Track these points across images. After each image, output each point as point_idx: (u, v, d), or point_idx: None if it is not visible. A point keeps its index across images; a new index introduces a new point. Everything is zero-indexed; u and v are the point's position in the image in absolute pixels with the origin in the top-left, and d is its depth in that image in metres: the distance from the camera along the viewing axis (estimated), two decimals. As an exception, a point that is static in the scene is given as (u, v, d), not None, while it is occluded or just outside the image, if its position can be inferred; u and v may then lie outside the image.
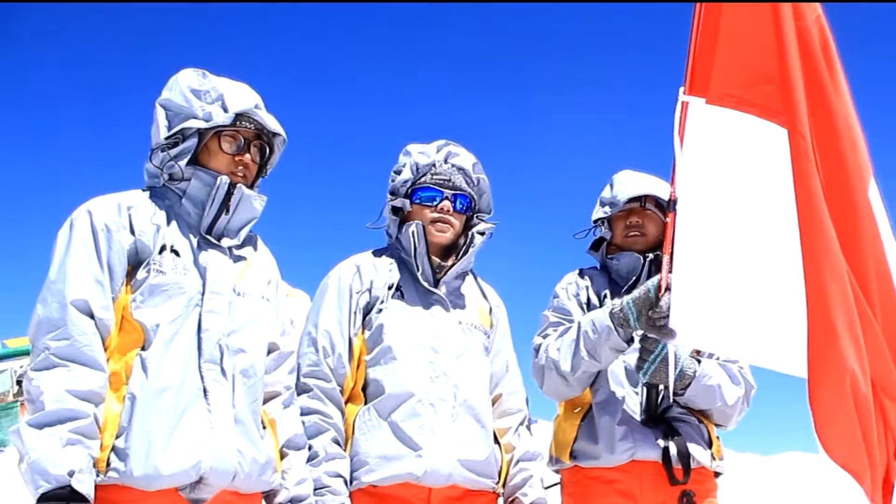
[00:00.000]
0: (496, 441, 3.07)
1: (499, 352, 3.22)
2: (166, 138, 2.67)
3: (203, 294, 2.58)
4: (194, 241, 2.66)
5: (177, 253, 2.59)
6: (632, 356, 3.18)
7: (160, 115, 2.72)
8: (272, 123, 2.78)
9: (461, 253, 3.16)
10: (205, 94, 2.71)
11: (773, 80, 2.94)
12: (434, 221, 3.11)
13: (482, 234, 3.19)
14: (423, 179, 3.15)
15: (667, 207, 2.99)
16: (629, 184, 3.54)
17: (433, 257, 3.12)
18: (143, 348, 2.47)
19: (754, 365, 3.32)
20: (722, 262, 2.87)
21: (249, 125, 2.75)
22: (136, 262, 2.56)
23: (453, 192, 3.15)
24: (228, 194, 2.68)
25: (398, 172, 3.20)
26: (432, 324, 3.04)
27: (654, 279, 2.99)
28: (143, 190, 2.75)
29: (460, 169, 3.18)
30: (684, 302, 2.85)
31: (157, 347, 2.46)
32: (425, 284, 3.09)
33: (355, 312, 3.03)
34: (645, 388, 3.24)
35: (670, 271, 2.88)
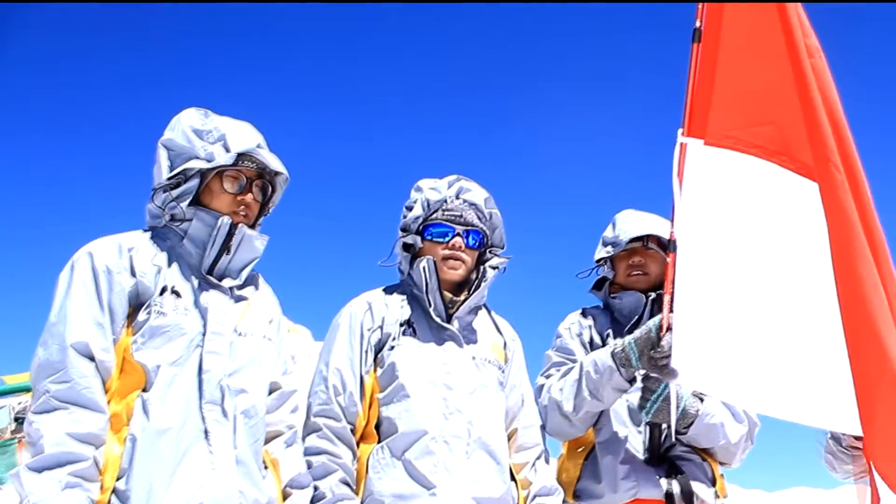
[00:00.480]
0: (512, 477, 3.03)
1: (514, 386, 3.17)
2: (168, 178, 2.67)
3: (204, 335, 2.56)
4: (195, 281, 2.64)
5: (177, 294, 2.57)
6: (634, 395, 3.17)
7: (162, 155, 2.72)
8: (274, 162, 2.77)
9: (473, 288, 3.13)
10: (207, 134, 2.71)
11: (773, 119, 2.96)
12: (446, 258, 3.08)
13: (495, 268, 3.17)
14: (434, 216, 3.12)
15: (667, 248, 3.01)
16: (631, 223, 3.57)
17: (445, 292, 3.09)
18: (144, 390, 2.45)
19: (754, 411, 3.31)
20: (723, 302, 2.88)
21: (251, 165, 2.75)
22: (136, 303, 2.55)
23: (465, 227, 3.12)
24: (230, 235, 2.67)
25: (409, 209, 3.18)
26: (445, 360, 2.99)
27: (656, 319, 2.99)
28: (145, 231, 2.73)
29: (472, 204, 3.16)
30: (686, 342, 2.85)
31: (158, 389, 2.44)
32: (438, 320, 3.05)
33: (367, 350, 2.99)
34: (648, 428, 3.23)
35: (671, 311, 2.89)
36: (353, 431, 2.92)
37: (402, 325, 3.03)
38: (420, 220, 3.13)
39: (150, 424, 2.40)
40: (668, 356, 2.89)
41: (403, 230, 3.17)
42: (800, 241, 2.94)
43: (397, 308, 3.08)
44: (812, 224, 2.94)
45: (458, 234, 3.10)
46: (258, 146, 2.76)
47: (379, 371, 2.98)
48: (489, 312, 3.29)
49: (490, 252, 3.23)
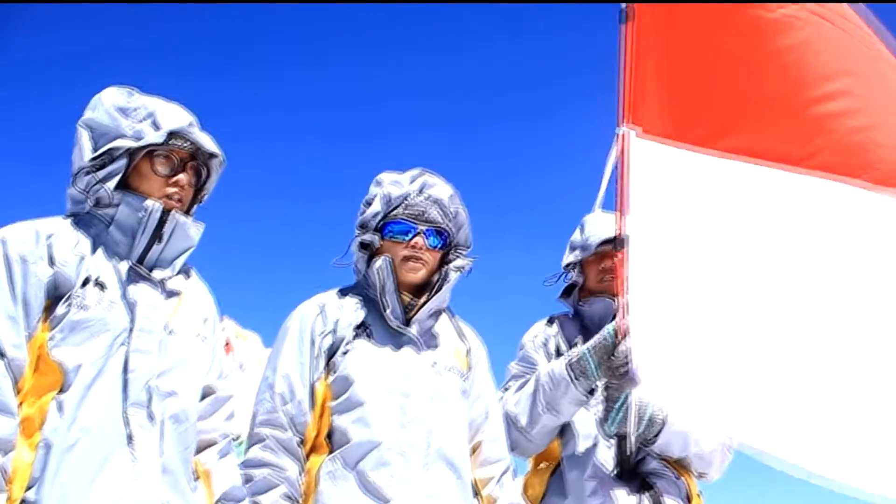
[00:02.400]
0: (476, 493, 2.87)
1: (478, 396, 2.99)
2: (91, 160, 2.46)
3: (131, 331, 2.36)
4: (123, 272, 2.44)
5: (102, 286, 2.37)
6: (601, 406, 3.03)
7: (83, 136, 2.51)
8: (208, 143, 2.60)
9: (434, 290, 2.95)
10: (133, 112, 2.52)
11: (714, 103, 2.82)
12: (406, 258, 2.90)
13: (458, 269, 2.99)
14: (395, 212, 2.94)
15: (614, 245, 2.88)
16: (601, 226, 3.42)
17: (404, 295, 2.91)
18: (60, 391, 2.25)
19: (716, 430, 3.11)
20: (681, 304, 2.75)
21: (184, 145, 2.56)
22: (55, 295, 2.34)
23: (428, 226, 2.94)
24: (161, 221, 2.47)
25: (368, 204, 3.00)
26: (402, 366, 2.82)
27: (612, 324, 2.88)
28: (65, 217, 2.52)
29: (436, 201, 2.97)
30: (644, 347, 2.72)
31: (76, 390, 2.24)
32: (395, 324, 2.88)
33: (318, 356, 2.81)
34: (616, 440, 3.07)
35: (627, 315, 2.75)
36: (301, 443, 2.73)
37: (356, 328, 2.85)
38: (379, 217, 2.95)
39: (66, 429, 2.20)
40: (627, 363, 2.76)
41: (361, 227, 2.98)
42: (764, 236, 2.78)
43: (352, 311, 2.90)
44: (785, 217, 2.78)
45: (420, 233, 2.92)
46: (190, 125, 2.58)
47: (331, 378, 2.79)
48: (452, 317, 3.12)
49: (454, 252, 3.05)
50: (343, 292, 3.00)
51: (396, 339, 2.88)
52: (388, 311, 2.88)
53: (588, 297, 3.44)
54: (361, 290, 2.99)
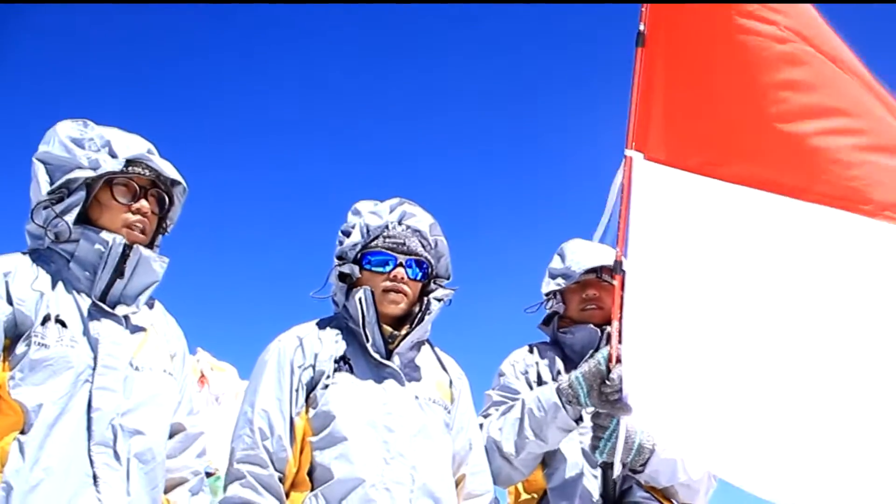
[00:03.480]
0: None
1: (461, 428, 2.94)
2: (49, 193, 2.41)
3: (94, 369, 2.30)
4: (84, 309, 2.38)
5: (63, 323, 2.31)
6: (587, 436, 2.95)
7: (39, 170, 2.47)
8: (169, 170, 2.56)
9: (416, 322, 2.90)
10: (89, 143, 2.48)
11: (724, 131, 2.79)
12: (387, 290, 2.85)
13: (440, 300, 2.95)
14: (374, 243, 2.90)
15: (612, 270, 2.84)
16: (582, 254, 3.41)
17: (385, 326, 2.86)
18: (22, 432, 2.17)
19: (703, 467, 3.07)
20: (678, 333, 2.70)
21: (143, 172, 2.52)
22: (14, 334, 2.27)
23: (407, 257, 2.90)
24: (124, 256, 2.42)
25: (346, 234, 2.95)
26: (385, 399, 2.75)
27: (604, 350, 2.82)
28: (24, 253, 2.46)
29: (416, 231, 2.95)
30: (637, 374, 2.67)
31: (38, 430, 2.17)
32: (376, 357, 2.82)
33: (297, 389, 2.73)
34: (602, 470, 2.97)
35: (621, 341, 2.71)
36: (281, 480, 2.64)
37: (336, 361, 2.78)
38: (358, 248, 2.90)
39: (28, 469, 2.12)
40: (620, 390, 2.71)
41: (339, 258, 2.93)
42: (766, 264, 2.72)
43: (332, 343, 2.83)
44: (788, 244, 2.71)
45: (401, 264, 2.88)
46: (149, 151, 2.54)
47: (311, 412, 2.71)
48: (432, 348, 3.07)
49: (434, 283, 3.01)
50: (322, 324, 2.93)
51: (378, 372, 2.82)
52: (369, 344, 2.82)
53: (569, 325, 3.39)
54: (340, 321, 2.93)
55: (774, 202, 2.69)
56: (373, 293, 2.83)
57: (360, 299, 2.81)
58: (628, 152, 2.81)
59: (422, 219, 2.98)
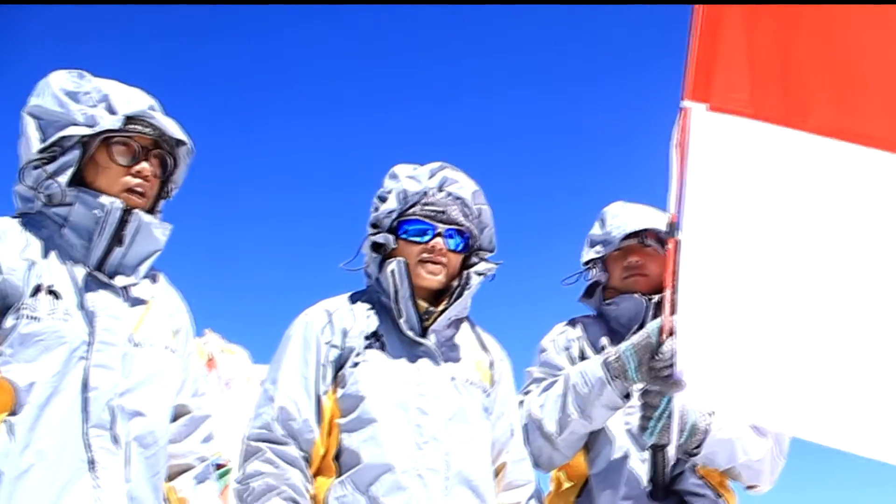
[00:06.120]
0: None
1: (502, 414, 2.76)
2: (40, 152, 2.22)
3: (90, 344, 2.14)
4: (80, 279, 2.21)
5: (56, 294, 2.15)
6: (634, 417, 2.78)
7: (30, 125, 2.27)
8: (173, 128, 2.35)
9: (455, 297, 2.69)
10: (85, 96, 2.27)
11: (785, 78, 2.53)
12: (423, 261, 2.65)
13: (481, 274, 2.74)
14: (412, 210, 2.69)
15: (667, 233, 2.60)
16: (625, 217, 3.17)
17: (420, 302, 2.66)
18: (12, 413, 2.03)
19: (776, 430, 2.89)
20: (738, 299, 2.48)
21: (145, 130, 2.31)
22: (2, 306, 2.12)
23: (448, 226, 2.68)
24: (122, 222, 2.24)
25: (382, 200, 2.75)
26: (419, 380, 2.57)
27: (656, 322, 2.62)
28: (13, 217, 2.28)
29: (458, 199, 2.73)
30: (692, 348, 2.47)
31: (29, 411, 2.03)
32: (410, 334, 2.62)
33: (325, 366, 2.56)
34: (651, 453, 2.79)
35: (673, 312, 2.50)
36: (307, 461, 2.48)
37: (367, 338, 2.60)
38: (394, 215, 2.69)
39: (18, 454, 1.99)
40: (671, 365, 2.51)
41: (373, 226, 2.72)
42: (847, 226, 2.48)
43: (363, 318, 2.64)
44: (869, 202, 2.48)
45: (440, 234, 2.67)
46: (151, 108, 2.34)
47: (339, 392, 2.54)
48: (473, 326, 2.86)
49: (476, 255, 2.79)
50: (353, 298, 2.74)
51: (412, 351, 2.63)
52: (402, 320, 2.63)
53: (613, 296, 3.16)
54: (373, 295, 2.74)
55: (868, 156, 2.44)
56: (407, 265, 2.63)
57: (393, 272, 2.61)
58: (686, 103, 2.54)
59: (465, 185, 2.76)
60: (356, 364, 2.55)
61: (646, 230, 3.09)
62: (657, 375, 2.56)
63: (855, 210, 2.45)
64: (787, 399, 2.48)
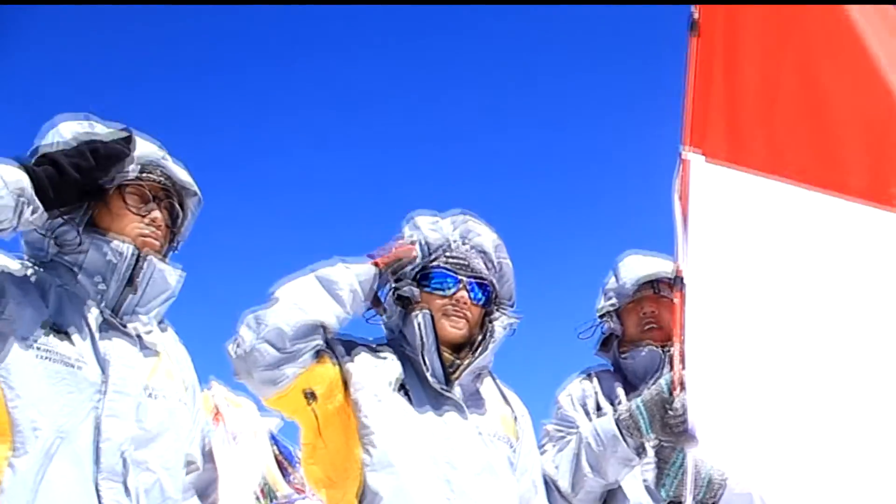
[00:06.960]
0: None
1: (525, 469, 2.70)
2: None
3: (104, 393, 2.09)
4: (94, 325, 2.17)
5: (70, 338, 2.11)
6: (650, 472, 2.76)
7: None
8: (183, 175, 2.36)
9: (479, 349, 2.66)
10: None
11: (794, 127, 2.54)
12: (448, 314, 2.61)
13: (505, 327, 2.70)
14: (435, 262, 2.67)
15: (672, 285, 2.61)
16: (636, 267, 3.18)
17: (445, 353, 2.62)
18: (14, 454, 1.96)
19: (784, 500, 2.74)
20: (742, 350, 2.47)
21: (157, 178, 2.32)
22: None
23: (471, 278, 2.67)
24: (136, 267, 2.21)
25: None
26: (447, 433, 2.52)
27: (667, 376, 2.61)
28: (29, 261, 2.25)
29: (480, 251, 2.72)
30: (702, 401, 2.45)
31: (36, 457, 1.97)
32: (437, 386, 2.58)
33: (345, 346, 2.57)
34: None
35: (684, 365, 2.49)
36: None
37: (390, 384, 2.54)
38: (418, 267, 2.66)
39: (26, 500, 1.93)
40: (685, 419, 2.48)
41: (397, 277, 2.68)
42: (846, 279, 2.48)
43: (387, 364, 2.60)
44: (867, 258, 2.48)
45: (464, 287, 2.64)
46: (163, 157, 2.35)
47: (359, 417, 2.48)
48: (494, 380, 2.82)
49: (497, 308, 2.75)
50: (375, 343, 2.71)
51: (438, 403, 2.58)
52: (428, 372, 2.58)
53: (628, 347, 3.14)
54: (395, 346, 2.69)
55: (854, 210, 2.46)
56: (433, 317, 2.59)
57: (419, 323, 2.58)
58: (685, 154, 2.57)
59: (486, 238, 2.75)
60: (379, 401, 2.48)
61: (660, 280, 3.07)
62: (670, 430, 2.53)
63: (840, 263, 2.47)
64: (791, 467, 2.43)
